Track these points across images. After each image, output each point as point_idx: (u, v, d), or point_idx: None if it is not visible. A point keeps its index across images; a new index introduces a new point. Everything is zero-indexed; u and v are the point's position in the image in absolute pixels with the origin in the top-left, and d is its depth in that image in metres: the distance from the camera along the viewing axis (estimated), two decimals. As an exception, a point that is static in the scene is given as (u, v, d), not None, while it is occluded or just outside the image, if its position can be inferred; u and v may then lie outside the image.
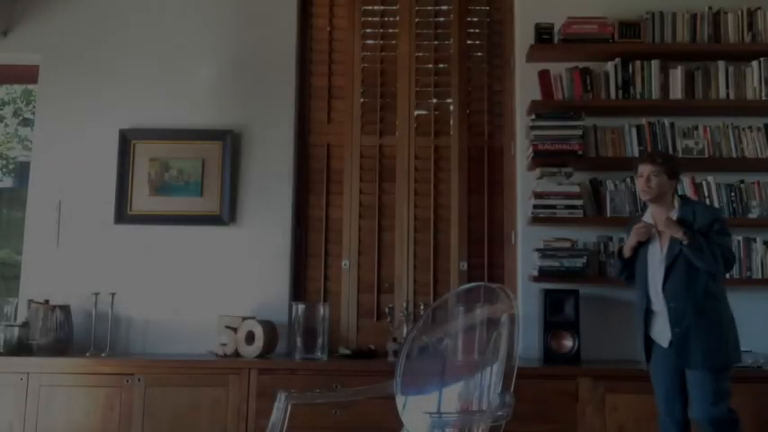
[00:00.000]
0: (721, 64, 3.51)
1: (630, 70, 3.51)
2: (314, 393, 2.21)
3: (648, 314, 2.85)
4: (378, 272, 3.69)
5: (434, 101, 3.80)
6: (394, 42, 3.85)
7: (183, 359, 3.28)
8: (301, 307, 3.41)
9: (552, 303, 3.32)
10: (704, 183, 3.45)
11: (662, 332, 2.79)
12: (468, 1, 3.87)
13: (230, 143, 3.64)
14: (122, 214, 3.62)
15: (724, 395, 2.68)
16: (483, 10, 3.87)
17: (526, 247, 3.54)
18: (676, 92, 3.50)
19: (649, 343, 2.86)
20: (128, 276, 3.60)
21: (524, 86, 3.63)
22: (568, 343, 3.28)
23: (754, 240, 3.41)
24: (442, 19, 3.86)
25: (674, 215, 2.80)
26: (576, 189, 3.41)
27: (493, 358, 1.97)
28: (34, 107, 4.08)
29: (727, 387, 2.69)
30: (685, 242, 2.69)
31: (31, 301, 3.43)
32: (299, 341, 3.35)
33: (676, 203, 2.85)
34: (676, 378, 2.78)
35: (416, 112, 3.80)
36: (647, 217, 2.90)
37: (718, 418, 2.65)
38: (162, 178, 3.65)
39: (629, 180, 3.47)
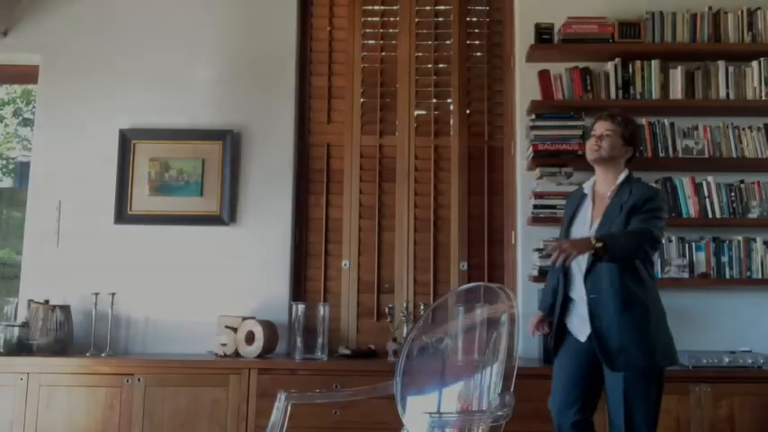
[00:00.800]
0: (721, 64, 3.51)
1: (630, 70, 3.51)
2: (314, 393, 2.21)
3: (567, 301, 2.58)
4: (378, 272, 3.69)
5: (434, 101, 3.80)
6: (394, 42, 3.85)
7: (183, 359, 3.28)
8: (301, 307, 3.41)
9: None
10: (704, 183, 3.45)
11: (581, 324, 2.53)
12: (468, 1, 3.87)
13: (230, 143, 3.64)
14: (122, 214, 3.62)
15: (650, 405, 2.43)
16: (483, 10, 3.87)
17: (526, 247, 3.53)
18: (676, 92, 3.50)
19: (563, 332, 2.60)
20: (128, 276, 3.60)
21: (524, 86, 3.63)
22: (568, 343, 3.27)
23: (754, 240, 3.41)
24: (441, 19, 3.86)
25: (613, 188, 2.58)
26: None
27: (493, 358, 1.98)
28: (34, 107, 4.08)
29: (654, 394, 2.44)
30: (602, 258, 2.38)
31: (31, 301, 3.43)
32: (299, 341, 3.35)
33: (622, 176, 2.61)
34: (584, 379, 2.53)
35: (416, 112, 3.80)
36: (588, 184, 2.71)
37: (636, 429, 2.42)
38: (162, 178, 3.65)
39: (629, 180, 3.47)
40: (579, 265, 2.51)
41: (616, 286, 2.43)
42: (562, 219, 2.82)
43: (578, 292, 2.54)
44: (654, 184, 3.45)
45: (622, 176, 2.61)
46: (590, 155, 2.64)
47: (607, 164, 2.62)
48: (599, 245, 2.33)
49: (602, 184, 2.65)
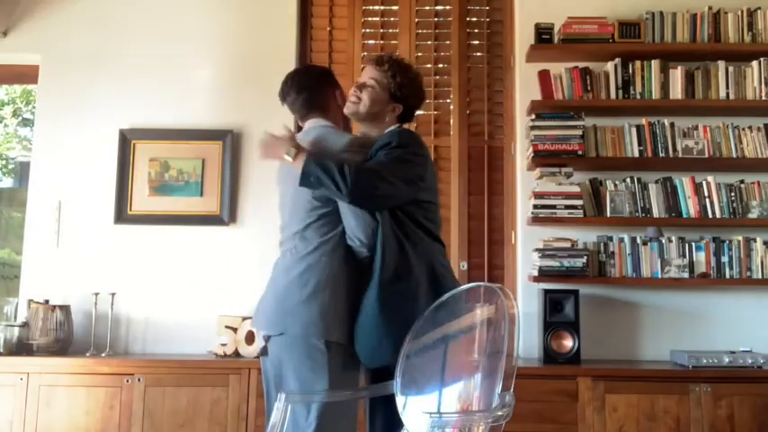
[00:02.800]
0: (721, 64, 3.50)
1: (630, 70, 3.51)
2: (316, 393, 2.21)
3: None
4: (378, 272, 3.69)
5: (434, 101, 3.80)
6: (394, 42, 3.85)
7: (183, 359, 3.28)
8: (301, 307, 3.41)
9: (552, 303, 3.31)
10: (704, 183, 3.45)
11: None
12: (468, 1, 3.87)
13: (230, 143, 3.64)
14: (122, 214, 3.62)
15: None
16: (483, 10, 3.87)
17: (526, 247, 3.53)
18: (676, 92, 3.50)
19: None
20: (128, 276, 3.60)
21: (524, 86, 3.63)
22: (568, 343, 3.28)
23: (754, 240, 3.40)
24: (441, 19, 3.86)
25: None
26: (576, 189, 3.41)
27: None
28: (34, 107, 4.07)
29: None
30: (291, 164, 1.99)
31: (31, 301, 3.43)
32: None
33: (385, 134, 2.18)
34: None
35: (416, 112, 3.79)
36: None
37: None
38: (162, 178, 3.65)
39: (628, 180, 3.47)
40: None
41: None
42: None
43: None
44: (654, 184, 3.46)
45: (390, 133, 2.17)
46: (347, 109, 2.23)
47: (368, 120, 2.21)
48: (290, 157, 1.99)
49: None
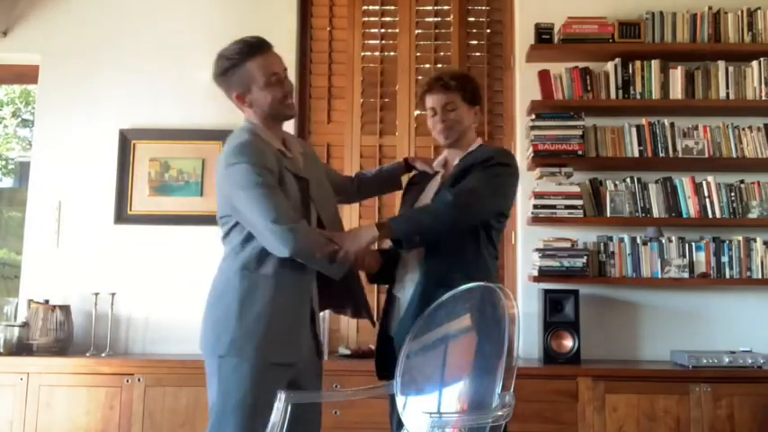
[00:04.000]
0: (721, 64, 3.50)
1: (630, 70, 3.51)
2: (314, 393, 2.21)
3: (391, 300, 2.24)
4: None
5: (434, 101, 3.80)
6: (394, 42, 3.85)
7: (183, 359, 3.28)
8: (301, 307, 3.41)
9: (552, 303, 3.31)
10: (704, 183, 3.45)
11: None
12: (468, 1, 3.87)
13: (230, 143, 3.64)
14: (122, 214, 3.62)
15: None
16: (483, 10, 3.86)
17: (526, 247, 3.53)
18: (676, 92, 3.50)
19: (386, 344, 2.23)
20: (128, 276, 3.60)
21: (524, 86, 3.63)
22: (568, 343, 3.28)
23: (754, 240, 3.40)
24: (441, 19, 3.86)
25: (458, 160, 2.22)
26: (576, 189, 3.41)
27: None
28: (33, 108, 4.07)
29: None
30: (389, 242, 2.04)
31: (31, 301, 3.44)
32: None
33: (474, 146, 2.27)
34: None
35: (416, 112, 3.80)
36: (438, 163, 2.35)
37: None
38: (162, 178, 3.65)
39: (628, 180, 3.47)
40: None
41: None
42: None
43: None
44: (654, 184, 3.46)
45: (475, 146, 2.28)
46: (443, 138, 2.24)
47: (457, 141, 2.27)
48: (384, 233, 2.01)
49: (455, 158, 2.30)
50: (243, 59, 2.11)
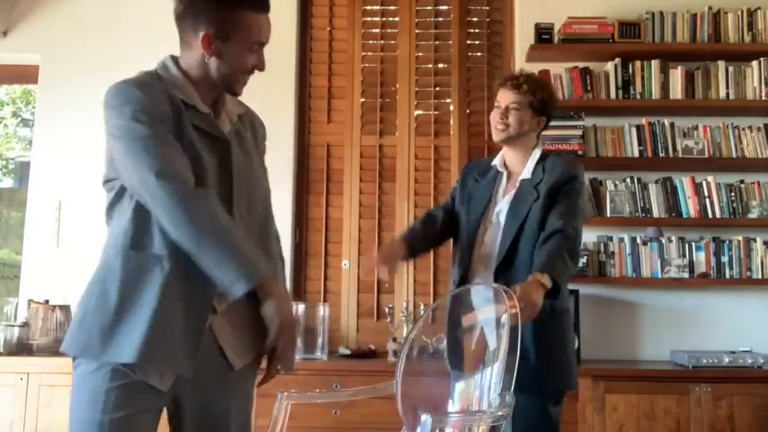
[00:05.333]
0: (721, 64, 3.50)
1: (630, 70, 3.51)
2: (314, 393, 2.21)
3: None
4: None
5: (434, 101, 3.80)
6: (394, 42, 3.85)
7: (183, 359, 3.28)
8: (301, 307, 3.41)
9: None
10: (704, 183, 3.45)
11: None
12: (468, 1, 3.87)
13: (230, 143, 3.63)
14: (122, 214, 3.61)
15: (554, 424, 2.13)
16: (483, 10, 3.87)
17: (526, 247, 3.53)
18: (676, 92, 3.50)
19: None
20: (128, 276, 3.60)
21: (524, 86, 3.62)
22: (568, 343, 3.27)
23: (754, 240, 3.40)
24: (441, 19, 3.86)
25: (527, 171, 2.24)
26: (576, 189, 3.40)
27: (493, 358, 1.97)
28: (34, 107, 4.07)
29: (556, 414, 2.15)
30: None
31: (31, 301, 3.43)
32: (298, 341, 3.34)
33: (536, 154, 2.27)
34: None
35: (416, 112, 3.80)
36: (498, 161, 2.33)
37: None
38: (162, 178, 3.64)
39: (628, 180, 3.47)
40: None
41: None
42: (455, 191, 2.42)
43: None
44: (654, 184, 3.46)
45: (536, 155, 2.27)
46: (496, 135, 2.27)
47: (515, 142, 2.27)
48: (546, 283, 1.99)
49: (514, 162, 2.31)
50: (244, 6, 1.73)
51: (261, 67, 1.78)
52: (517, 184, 2.24)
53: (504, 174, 2.31)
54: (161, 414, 1.63)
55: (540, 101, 2.24)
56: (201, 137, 1.64)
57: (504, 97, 2.25)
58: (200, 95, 1.71)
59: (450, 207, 2.40)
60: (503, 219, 2.19)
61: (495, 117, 2.26)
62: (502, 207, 2.22)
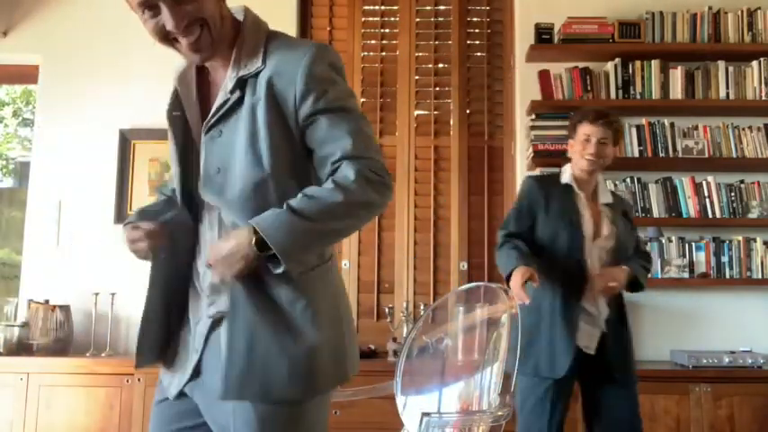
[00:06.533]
0: (721, 64, 3.50)
1: (630, 70, 3.51)
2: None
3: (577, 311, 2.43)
4: (378, 272, 3.69)
5: (434, 101, 3.80)
6: (394, 42, 3.85)
7: (183, 359, 3.28)
8: (301, 307, 3.41)
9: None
10: (704, 183, 3.45)
11: (591, 335, 2.48)
12: (468, 1, 3.87)
13: (230, 143, 3.63)
14: (122, 214, 3.62)
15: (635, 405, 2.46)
16: (483, 10, 3.87)
17: (526, 247, 3.53)
18: (676, 92, 3.50)
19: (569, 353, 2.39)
20: (128, 276, 3.60)
21: (524, 86, 3.63)
22: (568, 343, 3.27)
23: (754, 240, 3.41)
24: (441, 19, 3.86)
25: (604, 195, 2.57)
26: (576, 189, 3.41)
27: (493, 358, 1.98)
28: (34, 107, 4.07)
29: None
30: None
31: (31, 301, 3.44)
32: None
33: (600, 178, 2.60)
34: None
35: (416, 112, 3.80)
36: (567, 177, 2.57)
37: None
38: (162, 178, 3.65)
39: (628, 180, 3.47)
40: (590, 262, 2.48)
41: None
42: (524, 202, 2.59)
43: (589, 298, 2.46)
44: (654, 184, 3.47)
45: (602, 178, 2.62)
46: (590, 165, 2.51)
47: (599, 170, 2.59)
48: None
49: (583, 182, 2.56)
50: None
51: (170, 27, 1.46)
52: (598, 206, 2.55)
53: (579, 192, 2.55)
54: None
55: (617, 133, 2.55)
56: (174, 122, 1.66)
57: (597, 132, 2.49)
58: None
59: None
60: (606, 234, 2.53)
61: (585, 149, 2.50)
62: (604, 233, 2.53)
